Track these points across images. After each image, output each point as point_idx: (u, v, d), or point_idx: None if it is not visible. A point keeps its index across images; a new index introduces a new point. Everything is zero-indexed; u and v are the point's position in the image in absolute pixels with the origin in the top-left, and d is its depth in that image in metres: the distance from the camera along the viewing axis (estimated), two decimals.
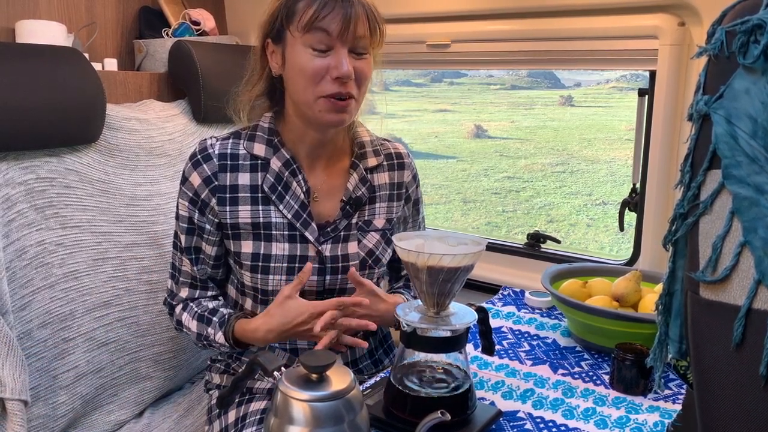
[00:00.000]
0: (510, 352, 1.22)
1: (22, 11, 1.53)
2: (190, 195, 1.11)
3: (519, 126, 11.75)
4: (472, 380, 0.95)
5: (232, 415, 1.17)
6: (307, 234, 1.10)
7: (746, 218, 0.50)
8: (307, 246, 1.11)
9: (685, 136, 1.33)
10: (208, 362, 1.29)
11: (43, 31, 1.47)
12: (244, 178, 1.10)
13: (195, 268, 1.16)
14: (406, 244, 0.92)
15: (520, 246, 1.77)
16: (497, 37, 1.64)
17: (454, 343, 0.92)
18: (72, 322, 1.24)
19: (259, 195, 1.10)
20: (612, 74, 14.21)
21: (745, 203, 0.50)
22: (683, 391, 1.06)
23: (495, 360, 1.18)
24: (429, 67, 1.93)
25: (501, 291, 1.58)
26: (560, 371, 1.14)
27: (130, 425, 1.35)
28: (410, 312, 0.94)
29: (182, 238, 1.14)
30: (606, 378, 1.11)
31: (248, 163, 1.11)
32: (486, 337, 1.02)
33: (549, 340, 1.28)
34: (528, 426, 0.96)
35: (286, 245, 1.10)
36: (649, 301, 1.23)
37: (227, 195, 1.09)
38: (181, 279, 1.17)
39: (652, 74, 1.48)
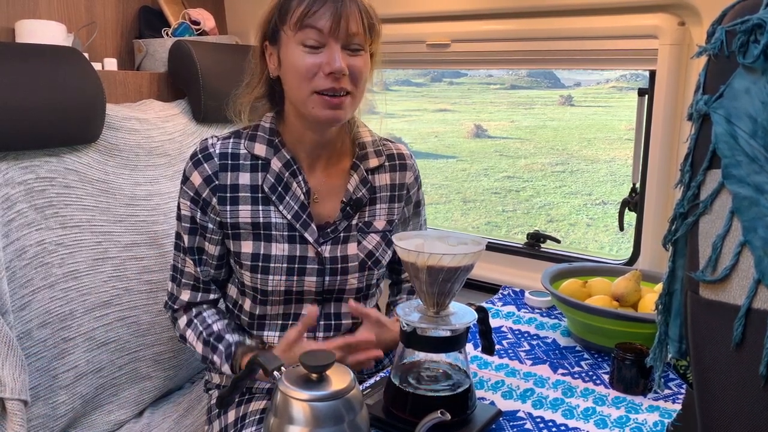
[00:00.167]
0: (510, 351, 1.22)
1: (21, 11, 1.53)
2: (191, 194, 1.10)
3: (519, 126, 11.75)
4: (472, 380, 0.95)
5: (231, 415, 1.17)
6: (306, 235, 1.10)
7: (746, 218, 0.50)
8: (307, 247, 1.11)
9: (685, 135, 1.33)
10: None
11: (42, 31, 1.47)
12: (244, 178, 1.10)
13: (198, 269, 1.15)
14: (406, 243, 0.92)
15: (520, 246, 1.77)
16: (497, 37, 1.64)
17: (454, 342, 0.92)
18: (72, 322, 1.24)
19: (260, 195, 1.10)
20: (612, 74, 14.21)
21: (745, 203, 0.50)
22: (683, 391, 1.06)
23: (495, 360, 1.18)
24: (429, 67, 1.93)
25: (501, 291, 1.58)
26: (560, 371, 1.14)
27: (129, 425, 1.35)
28: (410, 312, 0.94)
29: (185, 238, 1.14)
30: (606, 378, 1.11)
31: (249, 162, 1.11)
32: (486, 336, 1.02)
33: (549, 340, 1.28)
34: (528, 426, 0.96)
35: (286, 246, 1.10)
36: (649, 300, 1.23)
37: (228, 194, 1.09)
38: (183, 281, 1.16)
39: (652, 74, 1.48)
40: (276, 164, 1.10)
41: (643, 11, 1.40)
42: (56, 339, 1.21)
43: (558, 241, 1.75)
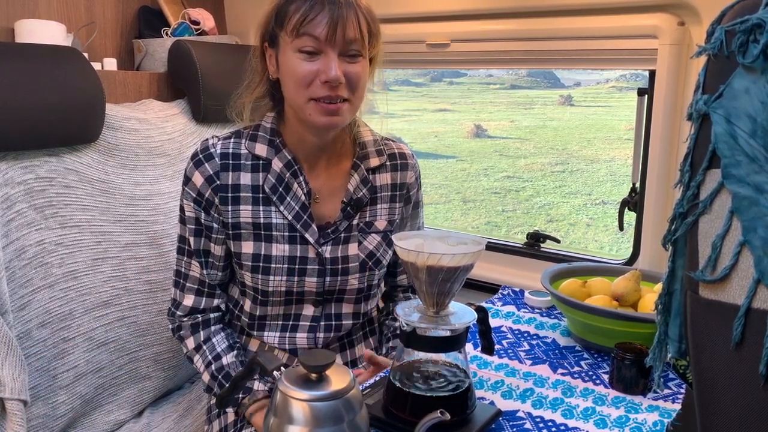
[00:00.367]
0: (509, 351, 1.22)
1: (21, 11, 1.53)
2: (194, 195, 1.10)
3: (519, 125, 11.75)
4: (472, 380, 0.95)
5: (231, 415, 1.17)
6: (307, 235, 1.10)
7: (746, 217, 0.50)
8: (307, 247, 1.11)
9: (685, 135, 1.33)
10: None
11: (42, 31, 1.47)
12: (245, 178, 1.10)
13: (204, 272, 1.14)
14: (405, 243, 0.91)
15: (520, 245, 1.77)
16: (497, 37, 1.64)
17: (453, 342, 0.92)
18: (71, 322, 1.24)
19: (260, 195, 1.10)
20: (611, 74, 14.21)
21: (744, 202, 0.50)
22: (683, 391, 1.05)
23: (494, 359, 1.18)
24: (428, 67, 1.93)
25: (500, 290, 1.58)
26: (560, 371, 1.14)
27: (129, 425, 1.35)
28: (410, 311, 0.94)
29: (191, 240, 1.12)
30: (605, 377, 1.11)
31: (250, 163, 1.10)
32: (485, 336, 1.02)
33: (548, 340, 1.28)
34: (527, 425, 0.96)
35: (287, 246, 1.10)
36: (649, 300, 1.23)
37: (229, 194, 1.09)
38: (187, 285, 1.15)
39: (652, 74, 1.48)
40: (277, 164, 1.10)
41: (642, 11, 1.40)
42: (56, 339, 1.21)
43: (558, 241, 1.75)
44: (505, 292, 1.57)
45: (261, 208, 1.10)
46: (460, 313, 0.94)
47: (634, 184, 1.58)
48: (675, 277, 0.61)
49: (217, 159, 1.09)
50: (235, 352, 1.14)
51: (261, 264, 1.09)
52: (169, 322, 1.19)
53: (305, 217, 1.10)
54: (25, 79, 1.20)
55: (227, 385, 1.07)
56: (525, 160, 9.58)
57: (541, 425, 0.96)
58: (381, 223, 1.17)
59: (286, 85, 1.05)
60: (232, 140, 1.12)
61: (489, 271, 1.74)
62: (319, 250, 1.11)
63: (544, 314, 1.42)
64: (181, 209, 1.13)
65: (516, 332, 1.32)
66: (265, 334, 1.16)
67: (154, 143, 1.49)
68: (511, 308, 1.46)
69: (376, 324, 1.29)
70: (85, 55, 1.36)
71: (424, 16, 1.70)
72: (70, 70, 1.28)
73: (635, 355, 1.05)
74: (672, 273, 0.61)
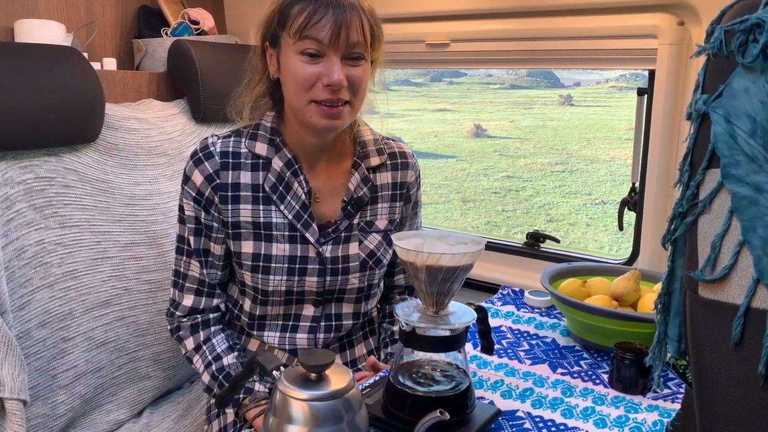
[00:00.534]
0: (509, 351, 1.22)
1: (21, 10, 1.53)
2: (194, 194, 1.10)
3: (518, 125, 11.75)
4: (471, 379, 0.95)
5: (231, 415, 1.17)
6: (307, 235, 1.10)
7: (745, 217, 0.50)
8: (308, 247, 1.10)
9: (684, 135, 1.33)
10: None
11: (42, 31, 1.47)
12: (245, 177, 1.10)
13: (204, 272, 1.13)
14: (405, 243, 0.91)
15: (520, 245, 1.77)
16: (496, 37, 1.64)
17: (453, 342, 0.92)
18: (71, 322, 1.24)
19: (260, 194, 1.10)
20: (611, 74, 14.22)
21: (744, 202, 0.50)
22: (682, 391, 1.06)
23: (494, 359, 1.18)
24: (428, 67, 1.93)
25: (500, 290, 1.58)
26: (559, 370, 1.14)
27: (129, 425, 1.35)
28: (410, 311, 0.94)
29: (191, 240, 1.12)
30: (605, 377, 1.11)
31: (250, 162, 1.10)
32: (485, 336, 1.02)
33: (548, 340, 1.28)
34: (527, 425, 0.96)
35: (287, 246, 1.10)
36: (648, 300, 1.23)
37: (229, 193, 1.09)
38: (186, 285, 1.14)
39: (652, 73, 1.48)
40: (277, 163, 1.10)
41: (642, 11, 1.40)
42: (55, 339, 1.21)
43: (557, 241, 1.75)
44: (505, 292, 1.57)
45: (261, 207, 1.10)
46: (460, 312, 0.94)
47: (633, 184, 1.58)
48: (674, 276, 0.61)
49: (217, 158, 1.09)
50: (235, 353, 1.14)
51: (261, 264, 1.09)
52: (168, 322, 1.18)
53: (306, 216, 1.10)
54: (25, 79, 1.20)
55: (227, 385, 1.07)
56: (525, 160, 9.58)
57: (541, 425, 0.96)
58: (382, 223, 1.17)
59: (287, 86, 1.05)
60: (232, 139, 1.11)
61: (489, 271, 1.74)
62: (320, 249, 1.11)
63: (544, 314, 1.42)
64: (181, 209, 1.12)
65: (515, 332, 1.32)
66: (265, 334, 1.16)
67: (153, 143, 1.49)
68: (511, 308, 1.46)
69: (376, 324, 1.29)
70: (85, 54, 1.36)
71: (423, 15, 1.69)
72: (70, 70, 1.28)
73: (635, 355, 1.05)
74: (671, 273, 0.61)
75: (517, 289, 1.58)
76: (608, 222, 7.06)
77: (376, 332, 1.29)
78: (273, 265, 1.09)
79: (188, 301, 1.15)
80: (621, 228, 1.66)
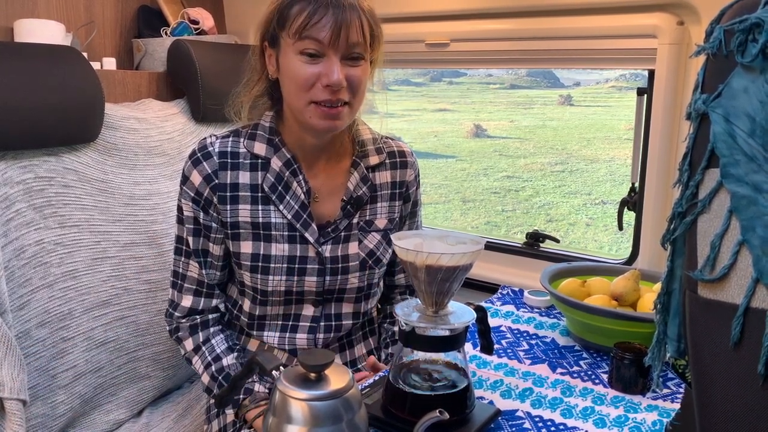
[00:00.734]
0: (509, 351, 1.22)
1: (20, 10, 1.53)
2: (192, 195, 1.10)
3: (518, 125, 11.75)
4: (471, 379, 0.95)
5: (230, 415, 1.17)
6: (307, 235, 1.10)
7: (744, 217, 0.50)
8: (307, 247, 1.10)
9: (684, 134, 1.32)
10: None
11: (41, 30, 1.47)
12: (244, 177, 1.10)
13: (203, 272, 1.13)
14: (404, 243, 0.91)
15: (519, 245, 1.77)
16: (496, 36, 1.64)
17: (452, 342, 0.92)
18: (71, 322, 1.24)
19: (259, 194, 1.10)
20: (611, 73, 14.23)
21: (743, 202, 0.50)
22: (682, 390, 1.06)
23: (494, 359, 1.18)
24: (428, 67, 1.93)
25: (500, 290, 1.58)
26: (559, 370, 1.14)
27: (128, 425, 1.35)
28: (409, 311, 0.94)
29: (190, 240, 1.12)
30: (605, 377, 1.11)
31: (248, 161, 1.10)
32: (485, 336, 1.02)
33: (548, 339, 1.28)
34: (526, 425, 0.96)
35: (286, 246, 1.10)
36: (648, 300, 1.23)
37: (228, 193, 1.09)
38: (185, 286, 1.14)
39: (651, 73, 1.48)
40: (276, 163, 1.10)
41: (642, 11, 1.40)
42: (55, 338, 1.21)
43: (557, 241, 1.75)
44: (505, 292, 1.57)
45: (260, 207, 1.10)
46: (459, 312, 0.94)
47: (633, 184, 1.58)
48: (674, 276, 0.61)
49: (215, 158, 1.09)
50: (235, 353, 1.14)
51: (260, 264, 1.09)
52: (167, 323, 1.18)
53: (305, 216, 1.10)
54: (24, 79, 1.19)
55: (227, 385, 1.07)
56: (524, 160, 9.59)
57: (540, 425, 0.96)
58: (381, 222, 1.17)
59: (286, 86, 1.05)
60: (230, 139, 1.11)
61: (488, 271, 1.74)
62: (319, 249, 1.11)
63: (544, 314, 1.42)
64: (179, 209, 1.12)
65: (515, 332, 1.32)
66: (265, 334, 1.16)
67: (153, 143, 1.49)
68: (511, 308, 1.46)
69: (375, 324, 1.29)
70: (85, 54, 1.36)
71: (423, 15, 1.69)
72: (69, 70, 1.28)
73: (634, 355, 1.05)
74: (671, 272, 0.61)
75: (516, 289, 1.58)
76: (608, 222, 7.07)
77: (376, 332, 1.29)
78: (272, 265, 1.09)
79: (187, 301, 1.14)
80: (620, 228, 1.66)
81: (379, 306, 1.33)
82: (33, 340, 1.18)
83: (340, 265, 1.12)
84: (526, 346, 1.24)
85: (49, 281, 1.22)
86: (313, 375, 0.76)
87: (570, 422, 0.97)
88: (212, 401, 1.23)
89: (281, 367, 0.80)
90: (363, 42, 1.01)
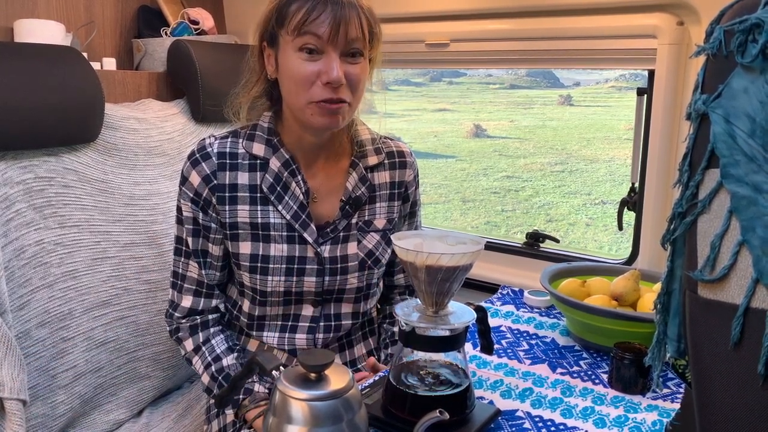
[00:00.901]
0: (509, 351, 1.22)
1: (20, 10, 1.53)
2: (191, 195, 1.10)
3: (518, 125, 11.76)
4: (471, 379, 0.95)
5: (230, 415, 1.17)
6: (305, 235, 1.10)
7: (744, 217, 0.50)
8: (306, 247, 1.10)
9: (684, 135, 1.33)
10: None
11: (41, 31, 1.47)
12: (243, 178, 1.10)
13: (203, 272, 1.13)
14: (404, 243, 0.91)
15: (519, 245, 1.77)
16: (496, 37, 1.64)
17: (452, 342, 0.92)
18: (71, 322, 1.24)
19: (258, 195, 1.10)
20: (611, 74, 14.23)
21: (743, 202, 0.50)
22: (682, 390, 1.06)
23: (494, 359, 1.18)
24: (428, 67, 1.93)
25: (500, 290, 1.58)
26: (559, 370, 1.14)
27: (128, 425, 1.35)
28: (409, 311, 0.94)
29: (189, 241, 1.12)
30: (605, 377, 1.11)
31: (247, 162, 1.10)
32: (485, 336, 1.02)
33: (548, 339, 1.28)
34: (526, 425, 0.96)
35: (285, 246, 1.10)
36: (648, 300, 1.23)
37: (226, 194, 1.09)
38: (185, 286, 1.14)
39: (651, 73, 1.48)
40: (275, 164, 1.10)
41: (642, 11, 1.40)
42: (55, 339, 1.21)
43: (557, 241, 1.75)
44: (505, 292, 1.57)
45: (259, 207, 1.10)
46: (459, 312, 0.94)
47: (633, 184, 1.58)
48: (674, 276, 0.61)
49: (214, 158, 1.09)
50: (235, 354, 1.14)
51: (259, 264, 1.09)
52: (167, 324, 1.18)
53: (304, 216, 1.10)
54: (24, 79, 1.19)
55: (227, 386, 1.07)
56: (524, 160, 9.59)
57: (540, 425, 0.96)
58: (380, 222, 1.17)
59: (286, 86, 1.05)
60: (229, 139, 1.11)
61: (488, 271, 1.74)
62: (318, 249, 1.11)
63: (544, 314, 1.42)
64: (179, 209, 1.12)
65: (515, 332, 1.32)
66: (265, 334, 1.16)
67: (153, 143, 1.49)
68: (511, 308, 1.46)
69: (375, 324, 1.29)
70: (84, 54, 1.36)
71: (423, 15, 1.69)
72: (69, 70, 1.28)
73: (634, 355, 1.05)
74: (671, 272, 0.61)
75: (516, 289, 1.58)
76: (608, 222, 7.07)
77: (376, 332, 1.29)
78: (271, 265, 1.09)
79: (187, 302, 1.14)
80: (620, 228, 1.66)
81: (379, 306, 1.32)
82: (33, 340, 1.18)
83: (339, 266, 1.12)
84: (526, 346, 1.24)
85: (49, 281, 1.22)
86: (313, 375, 0.76)
87: (570, 422, 0.97)
88: (212, 401, 1.23)
89: (281, 367, 0.80)
90: (362, 38, 1.01)
